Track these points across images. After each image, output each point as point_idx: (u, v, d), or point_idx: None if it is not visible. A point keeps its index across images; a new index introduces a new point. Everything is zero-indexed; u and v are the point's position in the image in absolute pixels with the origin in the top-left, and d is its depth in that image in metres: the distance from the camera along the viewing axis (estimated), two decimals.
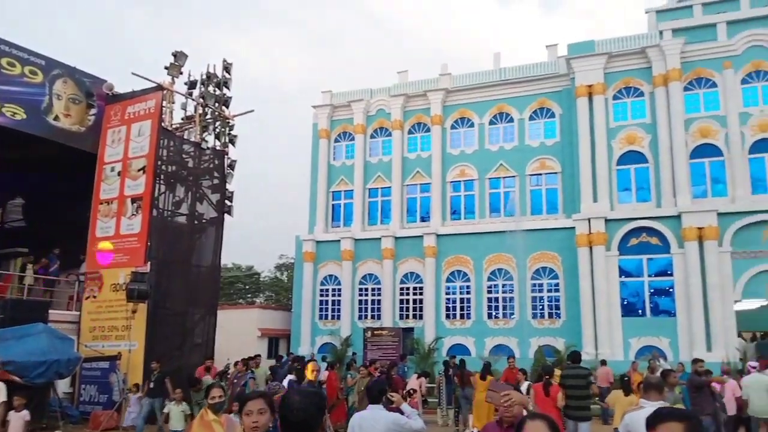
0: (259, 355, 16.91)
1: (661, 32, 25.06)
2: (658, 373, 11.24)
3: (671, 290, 23.24)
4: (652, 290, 23.68)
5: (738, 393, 11.53)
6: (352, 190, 29.99)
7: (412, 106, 29.67)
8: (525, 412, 3.79)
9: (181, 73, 18.03)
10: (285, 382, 11.18)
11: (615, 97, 25.63)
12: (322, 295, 29.50)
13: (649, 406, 5.47)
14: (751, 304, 24.50)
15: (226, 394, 7.36)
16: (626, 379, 9.98)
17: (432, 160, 28.54)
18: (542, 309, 25.50)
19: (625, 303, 23.81)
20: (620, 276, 23.93)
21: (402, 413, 5.71)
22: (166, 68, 17.74)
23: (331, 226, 30.41)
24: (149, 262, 15.75)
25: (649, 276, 23.73)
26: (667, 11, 25.66)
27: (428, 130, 29.17)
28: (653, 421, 2.39)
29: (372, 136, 30.50)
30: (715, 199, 23.47)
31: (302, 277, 29.59)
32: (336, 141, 31.23)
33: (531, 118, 27.57)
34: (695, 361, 11.06)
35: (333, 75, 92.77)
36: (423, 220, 28.73)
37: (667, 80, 24.34)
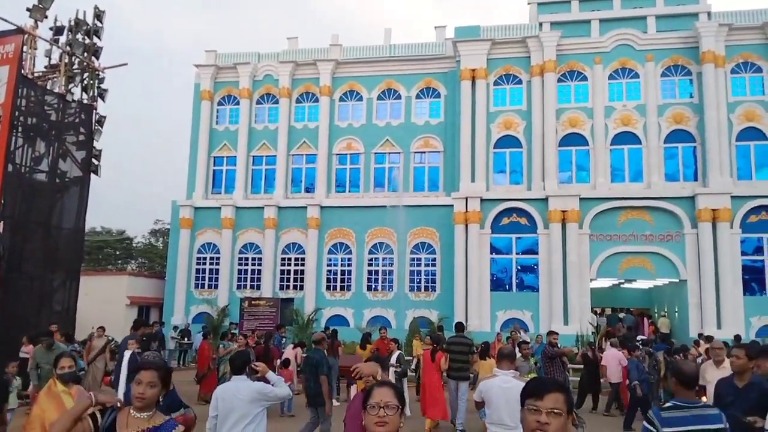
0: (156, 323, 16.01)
1: (540, 24, 26.41)
2: (518, 344, 12.12)
3: (536, 267, 24.95)
4: (518, 267, 25.29)
5: (624, 362, 12.71)
6: (235, 157, 29.07)
7: (301, 75, 29.15)
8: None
9: (46, 17, 16.40)
10: (126, 356, 10.25)
11: (496, 83, 26.77)
12: (198, 264, 28.54)
13: (502, 374, 5.89)
14: (605, 282, 27.00)
15: (77, 364, 6.96)
16: (483, 346, 10.75)
17: (319, 131, 28.32)
18: (419, 282, 26.42)
19: (495, 278, 25.27)
20: (491, 253, 25.31)
21: (268, 382, 5.72)
22: (28, 10, 16.04)
23: (212, 193, 29.36)
24: (2, 222, 14.36)
25: (517, 254, 25.31)
26: (547, 4, 27.04)
27: (317, 101, 28.85)
28: (539, 391, 2.42)
29: (258, 102, 29.65)
30: (579, 185, 25.36)
31: (178, 244, 28.41)
32: (220, 104, 30.02)
33: (418, 97, 28.11)
34: (550, 333, 12.02)
35: (221, 37, 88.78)
36: (308, 191, 28.55)
37: (543, 70, 25.77)
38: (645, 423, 4.10)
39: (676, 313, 25.13)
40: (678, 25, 25.42)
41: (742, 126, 24.49)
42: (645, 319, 27.05)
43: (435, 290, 26.15)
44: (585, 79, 26.06)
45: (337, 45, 29.02)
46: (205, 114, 29.51)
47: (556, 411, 2.36)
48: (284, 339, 18.98)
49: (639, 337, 19.62)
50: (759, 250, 23.54)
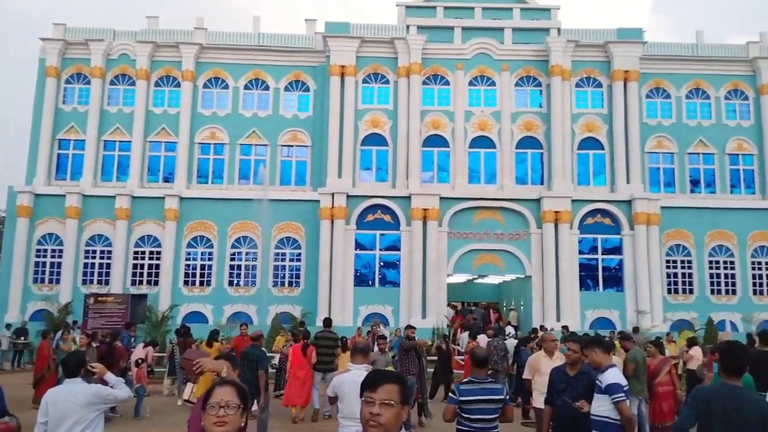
0: None
1: (408, 27, 27.20)
2: (376, 338, 12.41)
3: (398, 263, 25.70)
4: (382, 263, 25.90)
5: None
6: (83, 140, 26.76)
7: (162, 57, 27.53)
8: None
9: None
10: None
11: (364, 81, 27.17)
12: (38, 256, 25.94)
13: (355, 369, 5.96)
14: (460, 278, 28.48)
15: None
16: (344, 339, 10.93)
17: (180, 117, 26.92)
18: (283, 278, 26.11)
19: (358, 274, 25.66)
20: (356, 249, 25.67)
21: (106, 384, 5.33)
22: None
23: (55, 179, 26.81)
24: None
25: (381, 250, 25.90)
26: (415, 8, 27.90)
27: (178, 86, 27.40)
28: (373, 382, 2.47)
29: (112, 83, 27.55)
30: (440, 184, 26.50)
31: (14, 235, 25.57)
32: (68, 82, 27.47)
33: (287, 89, 27.73)
34: (407, 327, 12.41)
35: (72, 8, 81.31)
36: (166, 180, 27.06)
37: (409, 72, 26.59)
38: (450, 393, 5.33)
39: (522, 307, 27.15)
40: (531, 38, 27.40)
41: (584, 136, 26.99)
42: (491, 312, 29.00)
43: (299, 286, 25.99)
44: (448, 83, 27.25)
45: (201, 29, 27.78)
46: (50, 92, 26.84)
47: (387, 402, 2.41)
48: (134, 338, 17.85)
49: (508, 329, 20.96)
50: (594, 250, 26.10)
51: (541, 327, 20.42)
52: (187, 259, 26.08)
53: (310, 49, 27.66)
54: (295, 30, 29.01)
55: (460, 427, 5.31)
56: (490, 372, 13.02)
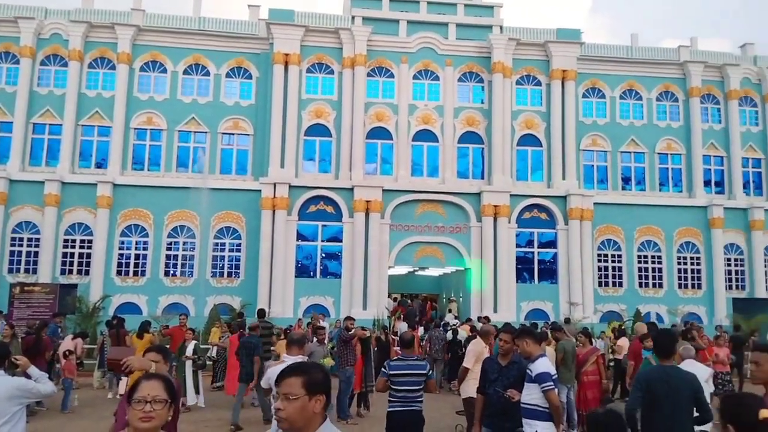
0: None
1: (353, 17, 27.08)
2: (314, 330, 12.38)
3: (339, 255, 25.67)
4: (323, 254, 25.81)
5: None
6: (10, 123, 25.37)
7: (96, 38, 26.38)
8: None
9: None
10: None
11: (309, 70, 26.91)
12: None
13: (290, 360, 5.95)
14: (402, 269, 28.72)
15: None
16: (288, 330, 10.89)
17: (115, 101, 25.90)
18: (222, 268, 25.64)
19: (299, 265, 25.49)
20: (297, 240, 25.47)
21: (29, 377, 5.12)
22: None
23: None
24: None
25: (323, 241, 25.80)
26: None
27: (113, 68, 26.34)
28: (278, 377, 2.49)
29: (43, 63, 26.22)
30: (383, 177, 26.61)
31: None
32: None
33: (228, 76, 27.13)
34: (347, 318, 12.45)
35: None
36: (99, 166, 26.03)
37: (354, 63, 26.51)
38: (382, 368, 6.43)
39: (461, 298, 27.66)
40: (474, 35, 27.80)
41: (523, 132, 27.66)
42: (430, 303, 29.59)
43: (239, 276, 25.59)
44: (392, 76, 27.33)
45: (139, 10, 26.78)
46: None
47: (290, 396, 2.40)
48: (62, 329, 17.14)
49: (450, 320, 21.38)
50: (530, 243, 26.85)
51: (479, 318, 20.86)
52: (120, 249, 25.22)
53: (253, 36, 27.14)
54: (238, 16, 28.27)
55: (390, 398, 6.31)
56: (428, 359, 13.41)
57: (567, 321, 20.37)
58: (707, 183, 28.88)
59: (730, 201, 28.22)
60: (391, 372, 6.23)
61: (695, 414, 4.89)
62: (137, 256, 25.26)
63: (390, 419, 6.29)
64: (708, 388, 7.19)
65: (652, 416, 4.88)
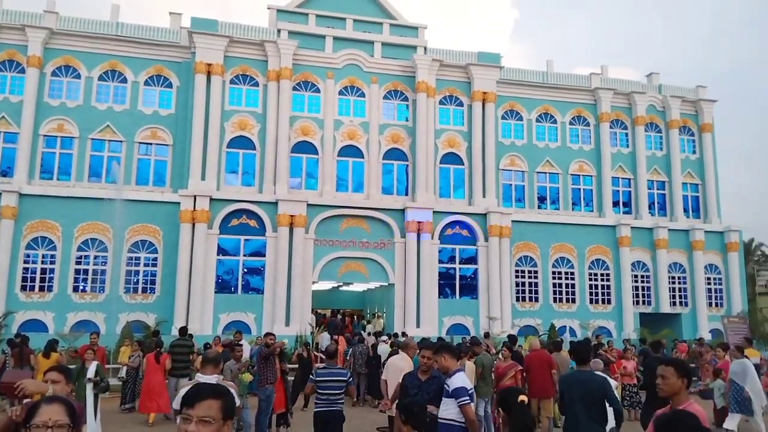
0: None
1: (279, 31, 26.96)
2: (232, 347, 12.05)
3: (262, 270, 25.21)
4: (245, 269, 25.25)
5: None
6: None
7: (4, 39, 24.87)
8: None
9: None
10: None
11: (232, 81, 26.48)
12: None
13: (204, 379, 5.77)
14: (326, 285, 28.56)
15: None
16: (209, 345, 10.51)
17: (24, 106, 24.44)
18: (136, 284, 24.54)
19: (220, 280, 24.81)
20: (218, 254, 24.82)
21: None
22: None
23: None
24: None
25: (245, 256, 25.26)
26: (287, 13, 27.72)
27: (22, 72, 24.89)
28: (192, 398, 2.33)
29: None
30: (308, 191, 26.45)
31: None
32: None
33: (147, 84, 26.24)
34: (267, 335, 12.18)
35: None
36: (4, 175, 24.43)
37: (280, 77, 26.34)
38: (311, 375, 7.67)
39: (384, 314, 27.80)
40: (400, 54, 28.32)
41: (446, 151, 28.32)
42: (349, 319, 29.86)
43: (154, 292, 24.57)
44: (318, 91, 27.34)
45: (52, 12, 25.49)
46: None
47: (206, 419, 2.28)
48: None
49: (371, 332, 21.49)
50: (452, 259, 27.41)
51: (403, 333, 21.02)
52: (25, 262, 23.66)
53: (174, 44, 26.42)
54: (159, 23, 27.45)
55: (317, 400, 7.47)
56: (352, 372, 13.55)
57: (486, 335, 20.88)
58: (616, 203, 30.60)
59: (636, 221, 30.00)
60: (318, 378, 7.47)
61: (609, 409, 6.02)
62: (44, 271, 23.78)
63: (316, 417, 7.40)
64: None
65: (573, 411, 5.85)
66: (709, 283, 30.62)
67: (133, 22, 26.57)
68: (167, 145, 25.99)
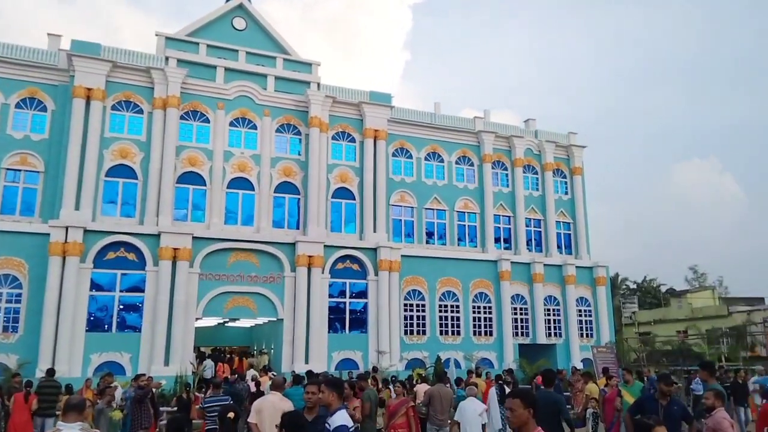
0: None
1: (167, 58, 26.17)
2: (101, 390, 11.22)
3: (140, 306, 23.78)
4: (121, 306, 23.70)
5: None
6: None
7: None
8: None
9: None
10: None
11: (114, 108, 25.22)
12: None
13: (66, 428, 5.32)
14: (210, 321, 27.44)
15: None
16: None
17: None
18: None
19: (92, 318, 23.09)
20: (91, 289, 23.15)
21: None
22: None
23: None
24: None
25: (121, 291, 23.74)
26: (176, 41, 27.03)
27: None
28: None
29: None
30: (193, 223, 25.49)
31: None
32: None
33: (18, 106, 24.35)
34: (138, 376, 11.50)
35: None
36: None
37: (166, 105, 25.46)
38: (199, 404, 8.21)
39: (272, 350, 27.11)
40: (293, 89, 28.42)
41: (337, 185, 28.54)
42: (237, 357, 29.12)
43: (17, 331, 22.34)
44: (207, 121, 26.70)
45: None
46: None
47: None
48: None
49: (251, 373, 20.81)
50: (342, 294, 27.39)
51: (293, 372, 20.60)
52: None
53: (50, 66, 24.81)
54: (33, 44, 25.75)
55: (207, 423, 9.20)
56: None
57: (375, 369, 20.97)
58: (497, 239, 32.20)
59: (516, 256, 31.70)
60: (206, 405, 9.44)
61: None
62: None
63: None
64: (481, 420, 9.93)
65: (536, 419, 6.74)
66: (580, 315, 32.81)
67: (7, 41, 24.73)
68: (38, 171, 24.13)
